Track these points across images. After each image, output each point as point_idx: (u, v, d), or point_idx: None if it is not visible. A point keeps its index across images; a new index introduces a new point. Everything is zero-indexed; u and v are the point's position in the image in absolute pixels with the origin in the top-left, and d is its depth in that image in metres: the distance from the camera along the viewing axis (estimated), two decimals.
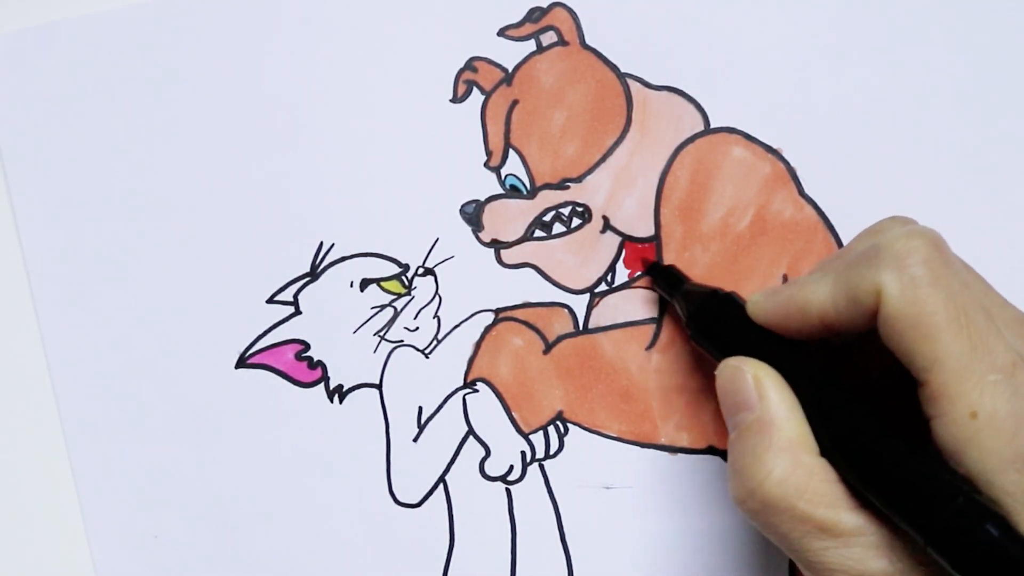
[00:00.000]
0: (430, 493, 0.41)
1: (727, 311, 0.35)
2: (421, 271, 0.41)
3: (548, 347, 0.41)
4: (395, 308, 0.41)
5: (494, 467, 0.41)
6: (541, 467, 0.41)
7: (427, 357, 0.41)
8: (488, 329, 0.41)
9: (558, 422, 0.41)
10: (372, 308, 0.41)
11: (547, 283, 0.41)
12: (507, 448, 0.41)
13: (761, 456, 0.30)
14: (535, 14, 0.42)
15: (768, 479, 0.29)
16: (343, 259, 0.42)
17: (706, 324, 0.36)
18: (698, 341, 0.37)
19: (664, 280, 0.40)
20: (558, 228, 0.42)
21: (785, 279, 0.40)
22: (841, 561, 0.29)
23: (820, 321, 0.31)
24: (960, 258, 0.31)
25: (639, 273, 0.41)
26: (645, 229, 0.41)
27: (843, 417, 0.30)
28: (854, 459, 0.29)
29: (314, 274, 0.42)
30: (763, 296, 0.33)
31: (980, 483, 0.27)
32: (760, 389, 0.31)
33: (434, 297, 0.41)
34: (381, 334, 0.41)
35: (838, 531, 0.29)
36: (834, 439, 0.30)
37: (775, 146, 0.41)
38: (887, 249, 0.29)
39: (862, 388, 0.33)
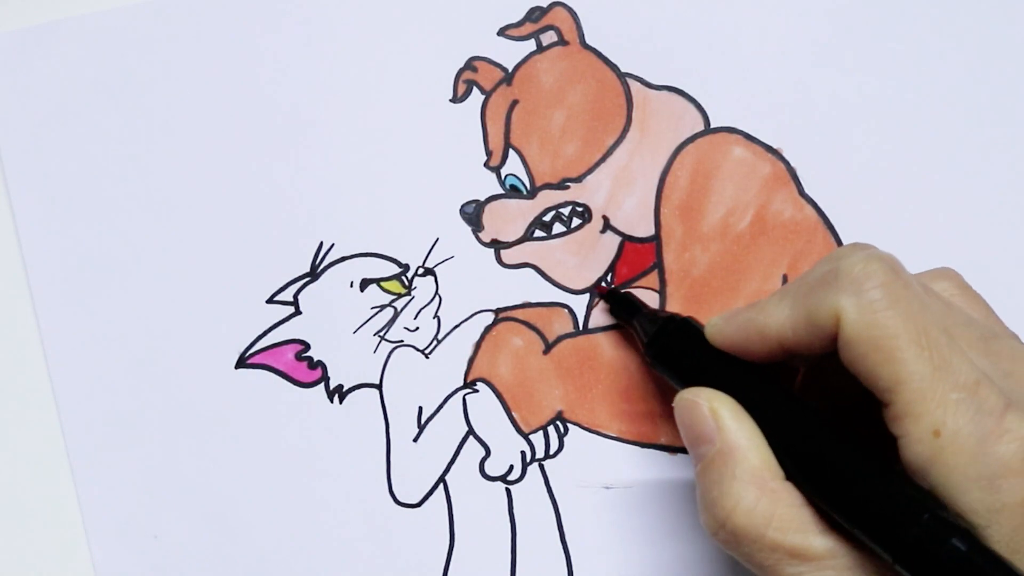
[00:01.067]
0: (430, 493, 0.41)
1: (685, 336, 0.35)
2: (421, 271, 0.41)
3: (548, 347, 0.41)
4: (395, 308, 0.41)
5: (494, 467, 0.41)
6: (541, 467, 0.41)
7: (427, 357, 0.41)
8: (488, 329, 0.41)
9: (558, 422, 0.41)
10: (372, 308, 0.41)
11: (547, 283, 0.41)
12: (507, 448, 0.41)
13: (726, 487, 0.30)
14: (535, 14, 0.42)
15: (735, 510, 0.30)
16: (343, 259, 0.42)
17: (664, 350, 0.36)
18: (656, 367, 0.37)
19: (621, 307, 0.40)
20: (558, 228, 0.41)
21: (785, 279, 0.40)
22: None
23: (779, 344, 0.31)
24: (920, 281, 0.31)
25: (598, 298, 0.41)
26: (645, 229, 0.41)
27: (805, 439, 0.30)
28: (818, 481, 0.30)
29: (314, 274, 0.42)
30: (722, 320, 0.33)
31: (946, 501, 0.27)
32: (718, 420, 0.31)
33: (434, 297, 0.41)
34: (381, 334, 0.41)
35: (810, 555, 0.29)
36: (797, 462, 0.30)
37: (775, 146, 0.41)
38: (845, 273, 0.29)
39: (826, 409, 0.33)
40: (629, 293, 0.40)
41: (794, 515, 0.29)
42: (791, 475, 0.30)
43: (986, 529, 0.27)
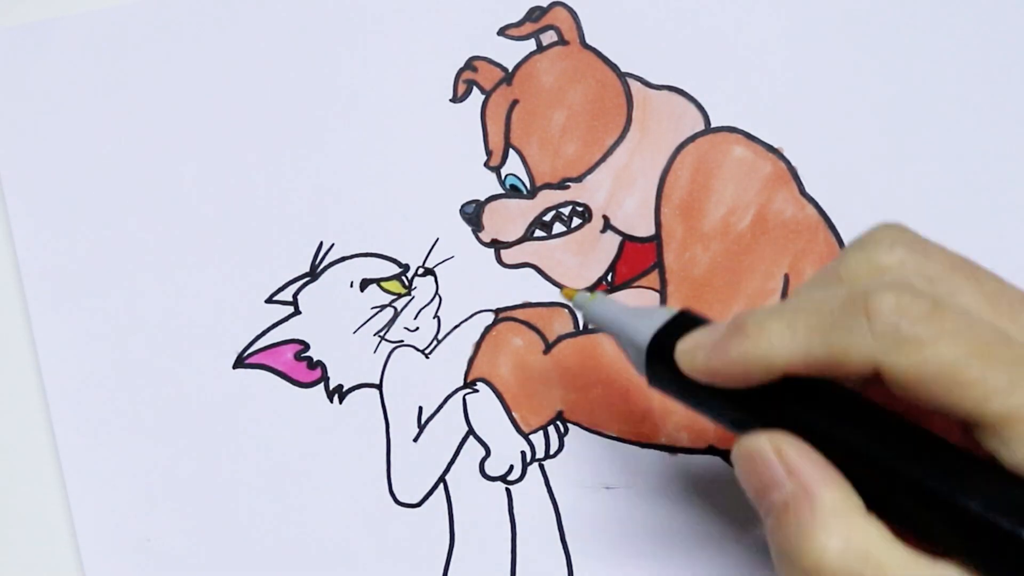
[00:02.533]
0: (430, 493, 0.41)
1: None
2: (421, 271, 0.41)
3: (548, 347, 0.41)
4: (395, 308, 0.41)
5: (494, 467, 0.41)
6: (541, 467, 0.41)
7: (427, 357, 0.41)
8: (488, 329, 0.41)
9: (558, 422, 0.41)
10: (372, 308, 0.41)
11: (547, 283, 0.41)
12: (507, 448, 0.41)
13: (808, 533, 0.26)
14: (535, 13, 0.42)
15: (824, 555, 0.26)
16: (343, 259, 0.42)
17: (664, 375, 0.31)
18: (660, 387, 0.32)
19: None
20: (558, 228, 0.41)
21: (786, 279, 0.40)
22: None
23: (779, 376, 0.28)
24: (944, 251, 0.29)
25: (378, 331, 0.40)
26: (645, 229, 0.41)
27: (879, 461, 0.27)
28: (910, 508, 0.26)
29: (314, 274, 0.42)
30: (700, 348, 0.30)
31: None
32: (786, 461, 0.28)
33: (434, 297, 0.41)
34: (381, 334, 0.41)
35: None
36: (880, 490, 0.27)
37: (776, 145, 0.41)
38: (876, 315, 0.26)
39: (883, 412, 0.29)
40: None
41: (891, 552, 0.26)
42: (872, 506, 0.27)
43: None
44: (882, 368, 0.26)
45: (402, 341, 0.41)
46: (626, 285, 0.41)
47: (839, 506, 0.27)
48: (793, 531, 0.27)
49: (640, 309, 0.33)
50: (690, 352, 0.30)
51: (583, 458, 0.41)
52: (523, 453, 0.41)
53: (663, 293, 0.41)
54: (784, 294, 0.40)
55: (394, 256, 0.42)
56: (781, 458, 0.28)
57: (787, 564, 0.27)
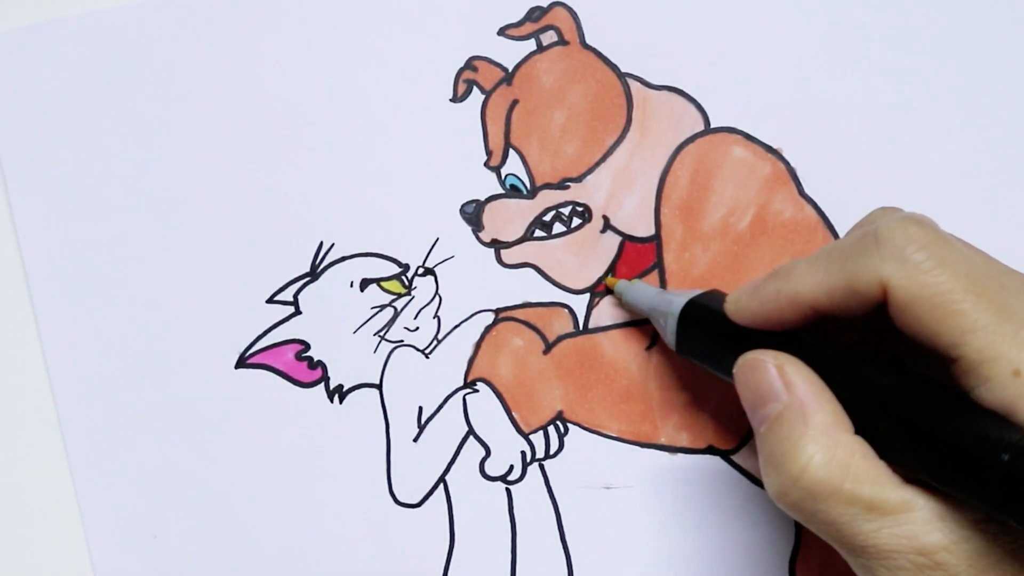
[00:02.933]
0: (430, 493, 0.41)
1: (709, 316, 0.35)
2: (421, 271, 0.41)
3: (548, 347, 0.41)
4: (395, 308, 0.41)
5: (494, 467, 0.41)
6: (541, 467, 0.41)
7: (427, 357, 0.41)
8: (488, 329, 0.41)
9: (558, 422, 0.41)
10: (372, 308, 0.41)
11: (547, 283, 0.41)
12: (507, 448, 0.41)
13: (798, 443, 0.29)
14: (535, 13, 0.42)
15: (810, 464, 0.29)
16: (343, 259, 0.42)
17: (692, 337, 0.36)
18: (689, 356, 0.36)
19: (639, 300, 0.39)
20: (558, 228, 0.41)
21: None
22: (895, 540, 0.28)
23: (812, 311, 0.31)
24: (958, 237, 0.31)
25: (378, 331, 0.41)
26: (645, 229, 0.41)
27: (871, 393, 0.30)
28: (892, 433, 0.29)
29: (314, 274, 0.42)
30: (743, 295, 0.33)
31: None
32: (785, 376, 0.30)
33: (434, 297, 0.41)
34: (381, 334, 0.41)
35: (887, 508, 0.28)
36: (868, 416, 0.29)
37: (775, 146, 0.41)
38: (885, 238, 0.29)
39: (882, 360, 0.32)
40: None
41: (869, 467, 0.29)
42: (860, 429, 0.30)
43: None
44: (889, 287, 0.28)
45: (402, 341, 0.41)
46: None
47: (829, 421, 0.29)
48: (785, 439, 0.29)
49: (673, 291, 0.38)
50: (735, 298, 0.33)
51: (583, 458, 0.41)
52: (523, 453, 0.41)
53: None
54: None
55: (394, 256, 0.42)
56: (781, 373, 0.31)
57: (774, 469, 0.30)
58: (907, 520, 0.28)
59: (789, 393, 0.30)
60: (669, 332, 0.37)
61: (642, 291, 0.39)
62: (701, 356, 0.36)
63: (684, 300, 0.36)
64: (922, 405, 0.28)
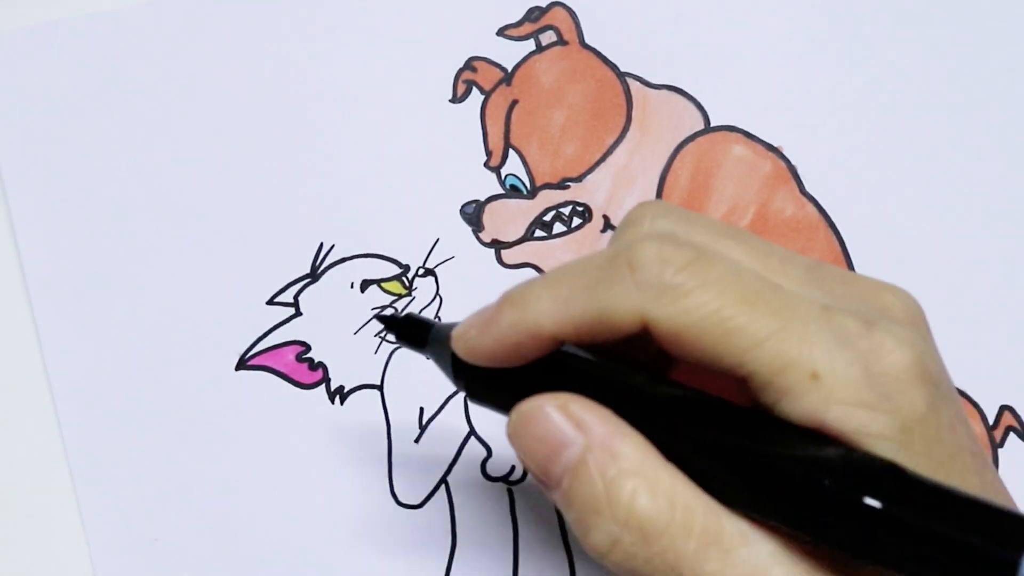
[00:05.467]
0: (432, 494, 0.41)
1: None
2: (421, 272, 0.41)
3: None
4: (396, 309, 0.41)
5: (496, 467, 0.41)
6: None
7: (428, 358, 0.41)
8: None
9: None
10: (373, 309, 0.41)
11: None
12: (509, 448, 0.40)
13: (615, 480, 0.25)
14: (534, 14, 0.42)
15: (636, 499, 0.25)
16: (343, 260, 0.42)
17: (477, 383, 0.30)
18: (479, 401, 0.30)
19: (407, 334, 0.33)
20: (558, 228, 0.41)
21: None
22: (742, 573, 0.25)
23: (554, 344, 0.27)
24: (709, 220, 0.28)
25: (378, 332, 0.39)
26: None
27: (666, 419, 0.26)
28: (702, 467, 0.25)
29: (314, 275, 0.42)
30: (472, 330, 0.28)
31: (852, 442, 0.24)
32: (573, 416, 0.26)
33: (435, 298, 0.41)
34: (382, 335, 0.41)
35: (725, 541, 0.25)
36: (669, 445, 0.26)
37: (776, 144, 0.41)
38: (640, 266, 0.25)
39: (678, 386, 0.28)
40: (409, 315, 0.34)
41: (695, 495, 0.25)
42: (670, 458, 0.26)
43: (903, 451, 0.24)
44: (648, 320, 0.25)
45: None
46: None
47: (640, 453, 0.25)
48: (598, 483, 0.25)
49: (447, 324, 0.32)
50: (462, 335, 0.29)
51: None
52: None
53: None
54: None
55: (394, 257, 0.42)
56: (568, 415, 0.26)
57: (594, 518, 0.25)
58: (749, 555, 0.25)
59: (585, 433, 0.26)
60: (446, 367, 0.31)
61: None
62: (495, 403, 0.30)
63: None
64: (734, 433, 0.25)
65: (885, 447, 0.24)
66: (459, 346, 0.29)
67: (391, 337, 0.41)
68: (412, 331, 0.33)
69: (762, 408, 0.25)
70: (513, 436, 0.27)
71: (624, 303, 0.25)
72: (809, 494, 0.23)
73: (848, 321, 0.25)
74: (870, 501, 0.22)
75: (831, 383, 0.24)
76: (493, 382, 0.29)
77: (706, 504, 0.25)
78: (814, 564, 0.25)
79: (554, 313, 0.26)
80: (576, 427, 0.26)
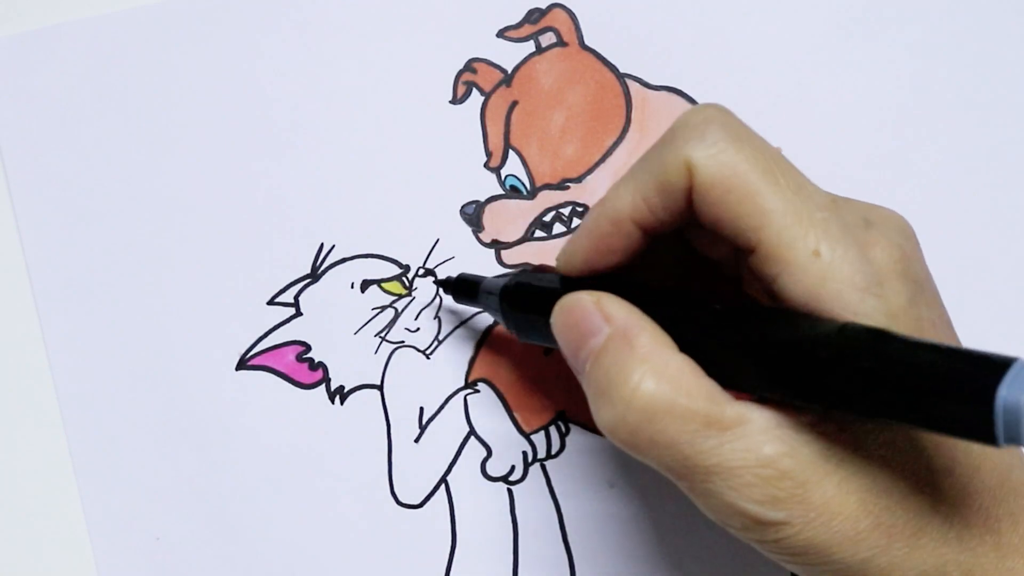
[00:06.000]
0: (432, 494, 0.41)
1: (538, 290, 0.34)
2: (422, 272, 0.42)
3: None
4: (396, 309, 0.41)
5: (496, 467, 0.41)
6: (543, 467, 0.41)
7: (428, 358, 0.41)
8: (489, 329, 0.41)
9: (559, 422, 0.41)
10: (373, 309, 0.42)
11: None
12: (509, 448, 0.41)
13: (626, 366, 0.28)
14: (534, 15, 0.43)
15: (642, 384, 0.27)
16: (344, 260, 0.42)
17: (520, 316, 0.35)
18: (522, 336, 0.35)
19: (462, 291, 0.39)
20: (558, 228, 0.42)
21: None
22: (736, 455, 0.27)
23: (635, 226, 0.30)
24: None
25: (378, 332, 0.41)
26: None
27: (691, 315, 0.29)
28: (717, 351, 0.28)
29: (315, 275, 0.42)
30: (567, 244, 0.32)
31: (842, 319, 0.26)
32: (603, 309, 0.30)
33: (435, 298, 0.41)
34: (382, 335, 0.41)
35: (724, 423, 0.27)
36: (690, 337, 0.29)
37: (774, 145, 0.41)
38: (683, 126, 0.28)
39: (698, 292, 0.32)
40: (462, 274, 0.39)
41: (700, 383, 0.28)
42: (685, 347, 0.29)
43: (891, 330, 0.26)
44: (692, 167, 0.28)
45: (403, 342, 0.41)
46: None
47: (654, 342, 0.28)
48: (612, 367, 0.28)
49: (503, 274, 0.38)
50: (563, 249, 0.33)
51: (585, 458, 0.41)
52: (524, 453, 0.41)
53: None
54: None
55: (395, 257, 0.42)
56: (600, 307, 0.30)
57: (605, 400, 0.28)
58: (745, 432, 0.27)
59: (610, 323, 0.29)
60: (496, 313, 0.36)
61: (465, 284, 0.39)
62: (539, 336, 0.34)
63: (506, 280, 0.36)
64: (742, 321, 0.28)
65: (871, 325, 0.26)
66: (561, 258, 0.33)
67: (391, 336, 0.41)
68: (465, 287, 0.39)
69: (764, 282, 0.28)
70: (554, 324, 0.31)
71: (674, 158, 0.28)
72: (810, 366, 0.26)
73: (851, 216, 0.28)
74: (864, 364, 0.24)
75: (829, 262, 0.27)
76: (538, 323, 0.33)
77: (708, 389, 0.27)
78: (806, 439, 0.27)
79: (626, 194, 0.30)
80: (604, 319, 0.29)
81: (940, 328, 0.29)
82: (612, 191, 0.30)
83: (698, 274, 0.33)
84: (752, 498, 0.27)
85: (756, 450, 0.27)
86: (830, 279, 0.27)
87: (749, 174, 0.27)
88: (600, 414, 0.29)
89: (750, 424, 0.27)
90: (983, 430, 0.22)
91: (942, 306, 0.30)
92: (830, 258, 0.27)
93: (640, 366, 0.28)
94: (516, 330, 0.35)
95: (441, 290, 0.41)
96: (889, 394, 0.24)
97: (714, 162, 0.28)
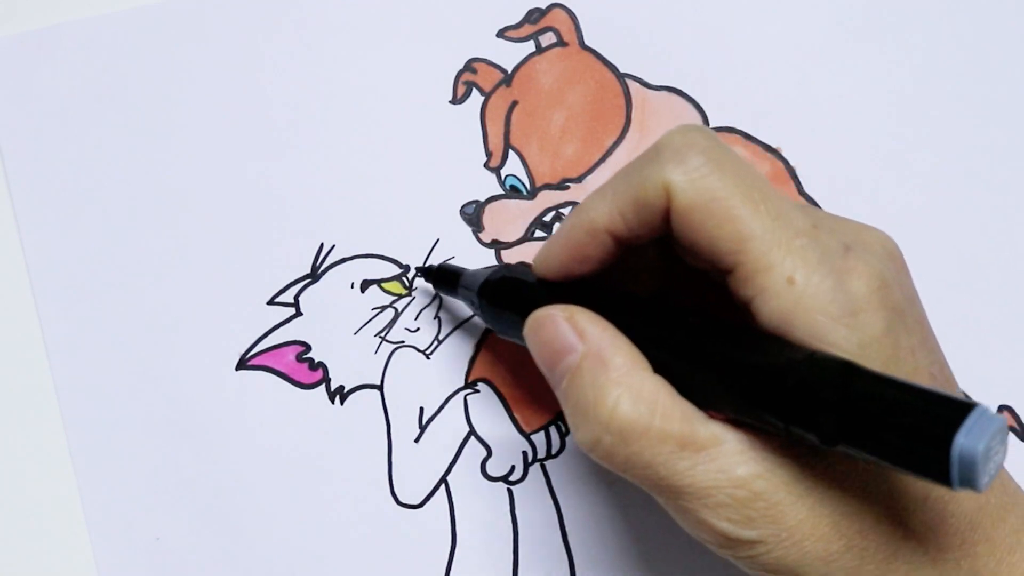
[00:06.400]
0: (432, 494, 0.41)
1: (516, 291, 0.34)
2: (421, 272, 0.41)
3: None
4: (396, 309, 0.41)
5: (496, 467, 0.41)
6: (543, 467, 0.41)
7: (428, 358, 0.41)
8: (489, 329, 0.41)
9: (559, 422, 0.41)
10: (373, 309, 0.42)
11: None
12: (508, 448, 0.41)
13: (603, 387, 0.28)
14: (534, 15, 0.43)
15: (618, 406, 0.28)
16: (344, 260, 0.42)
17: (501, 312, 0.35)
18: (500, 333, 0.36)
19: (442, 281, 0.39)
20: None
21: None
22: (710, 476, 0.27)
23: (610, 237, 0.30)
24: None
25: (378, 332, 0.41)
26: None
27: (663, 333, 0.29)
28: (689, 372, 0.28)
29: (315, 275, 0.42)
30: (544, 248, 0.33)
31: (814, 348, 0.26)
32: (577, 326, 0.30)
33: (435, 298, 0.41)
34: (382, 335, 0.41)
35: (699, 444, 0.27)
36: (663, 357, 0.29)
37: (774, 145, 0.41)
38: (666, 146, 0.29)
39: (672, 303, 0.32)
40: (444, 264, 0.40)
41: (675, 404, 0.28)
42: (659, 369, 0.29)
43: (860, 363, 0.26)
44: (671, 190, 0.28)
45: (403, 342, 0.41)
46: None
47: (629, 363, 0.29)
48: (588, 387, 0.29)
49: (484, 268, 0.37)
50: (539, 255, 0.33)
51: (585, 458, 0.41)
52: (524, 453, 0.41)
53: None
54: None
55: (395, 257, 0.42)
56: (573, 324, 0.30)
57: (582, 420, 0.29)
58: (719, 454, 0.27)
59: (584, 341, 0.29)
60: (474, 308, 0.37)
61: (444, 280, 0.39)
62: (516, 335, 0.34)
63: (486, 275, 0.36)
64: (716, 340, 0.28)
65: (842, 356, 0.26)
66: (537, 261, 0.33)
67: (391, 336, 0.41)
68: (445, 278, 0.39)
69: (739, 303, 0.28)
70: (528, 339, 0.32)
71: (653, 178, 0.28)
72: (777, 391, 0.26)
73: (831, 242, 0.28)
74: (828, 395, 0.25)
75: (803, 290, 0.27)
76: (514, 321, 0.33)
77: (683, 410, 0.28)
78: (779, 462, 0.27)
79: (603, 206, 0.30)
80: (578, 336, 0.30)
81: (919, 355, 0.28)
82: (589, 200, 0.31)
83: (681, 276, 0.33)
84: (726, 517, 0.28)
85: (729, 471, 0.27)
86: (803, 307, 0.27)
87: (728, 199, 0.27)
88: (577, 433, 0.29)
89: (724, 445, 0.27)
90: (939, 473, 0.23)
91: (926, 329, 0.29)
92: (804, 286, 0.27)
93: (615, 388, 0.28)
94: (493, 326, 0.36)
95: (421, 277, 0.41)
96: (850, 427, 0.24)
97: (693, 187, 0.28)
